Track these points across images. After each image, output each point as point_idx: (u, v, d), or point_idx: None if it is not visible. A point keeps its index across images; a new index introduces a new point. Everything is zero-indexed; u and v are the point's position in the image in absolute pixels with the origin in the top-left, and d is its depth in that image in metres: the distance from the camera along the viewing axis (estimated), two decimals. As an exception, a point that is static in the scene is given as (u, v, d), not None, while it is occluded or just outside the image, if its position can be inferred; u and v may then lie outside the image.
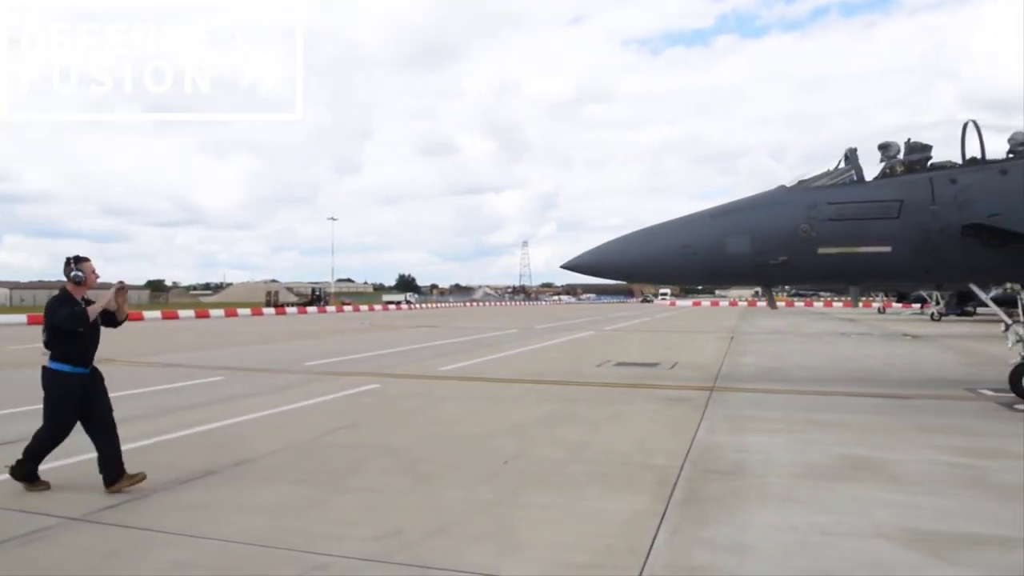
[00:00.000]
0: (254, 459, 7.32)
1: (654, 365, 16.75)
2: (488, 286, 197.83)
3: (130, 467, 6.19)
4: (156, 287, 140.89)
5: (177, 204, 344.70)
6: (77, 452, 6.61)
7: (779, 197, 11.69)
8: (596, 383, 13.50)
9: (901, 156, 11.46)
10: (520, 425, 9.24)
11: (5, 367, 16.82)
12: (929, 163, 11.48)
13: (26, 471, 6.08)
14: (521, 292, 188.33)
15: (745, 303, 79.71)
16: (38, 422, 6.18)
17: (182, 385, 13.18)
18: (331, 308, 71.09)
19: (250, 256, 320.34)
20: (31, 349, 21.91)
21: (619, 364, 17.02)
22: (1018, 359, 11.11)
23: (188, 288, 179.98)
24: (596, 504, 5.70)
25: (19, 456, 6.13)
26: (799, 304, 71.88)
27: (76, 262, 6.17)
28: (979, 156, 11.16)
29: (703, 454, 7.48)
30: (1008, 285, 12.18)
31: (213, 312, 53.00)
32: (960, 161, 11.26)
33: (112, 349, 16.68)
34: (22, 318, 42.94)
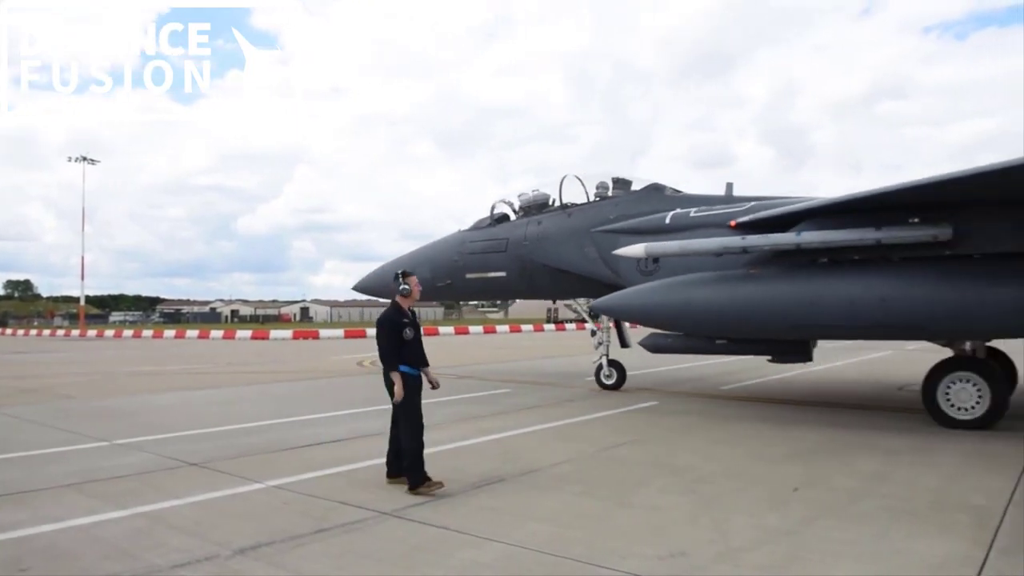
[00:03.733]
0: (539, 469, 7.69)
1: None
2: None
3: (432, 468, 6.83)
4: (448, 304, 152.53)
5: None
6: (367, 456, 7.38)
7: (451, 237, 16.64)
8: (898, 409, 12.33)
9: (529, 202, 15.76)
10: (806, 451, 8.73)
11: (329, 375, 19.26)
12: (544, 208, 15.46)
13: (419, 476, 6.78)
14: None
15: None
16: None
17: (475, 395, 14.17)
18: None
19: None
20: (348, 360, 24.99)
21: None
22: (600, 359, 15.32)
23: (477, 305, 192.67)
24: (901, 544, 5.21)
25: (394, 470, 7.08)
26: None
27: (403, 276, 7.07)
28: (569, 202, 15.22)
29: (1033, 496, 6.54)
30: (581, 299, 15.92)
31: (499, 328, 56.39)
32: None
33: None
34: (340, 332, 49.09)
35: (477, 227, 16.23)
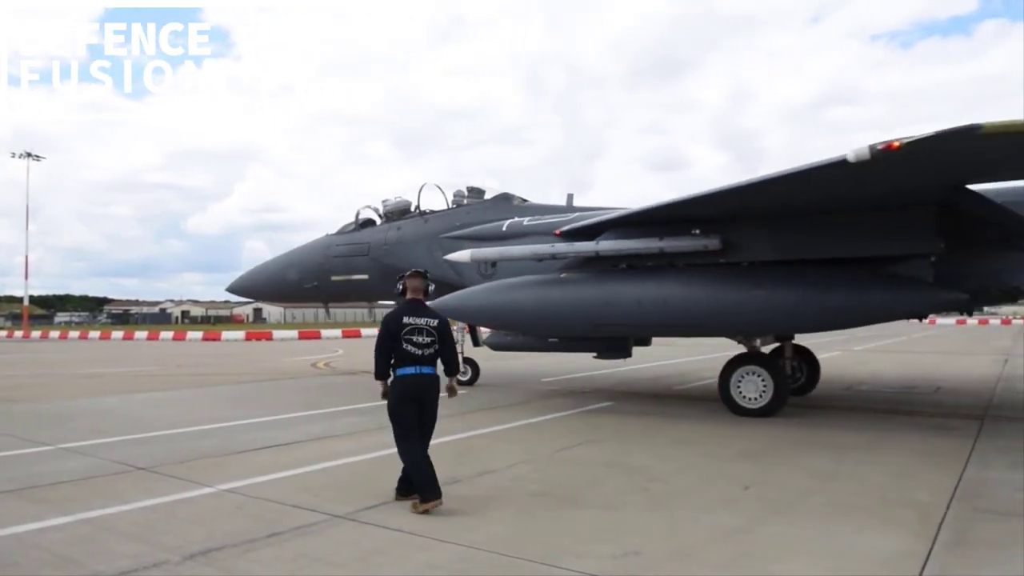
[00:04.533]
0: (495, 470, 7.69)
1: (912, 389, 15.32)
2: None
3: (387, 472, 6.77)
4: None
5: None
6: (321, 459, 7.33)
7: (319, 241, 17.12)
8: (845, 407, 12.60)
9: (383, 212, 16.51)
10: (758, 450, 8.87)
11: (282, 377, 19.00)
12: (405, 214, 16.22)
13: (413, 490, 6.36)
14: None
15: (1021, 321, 70.41)
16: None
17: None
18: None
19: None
20: (301, 361, 24.70)
21: (871, 388, 15.76)
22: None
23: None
24: (848, 540, 5.33)
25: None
26: None
27: (399, 279, 6.88)
28: (430, 209, 15.96)
29: (974, 491, 6.74)
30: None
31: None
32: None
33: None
34: (294, 333, 48.50)
35: (343, 231, 16.88)
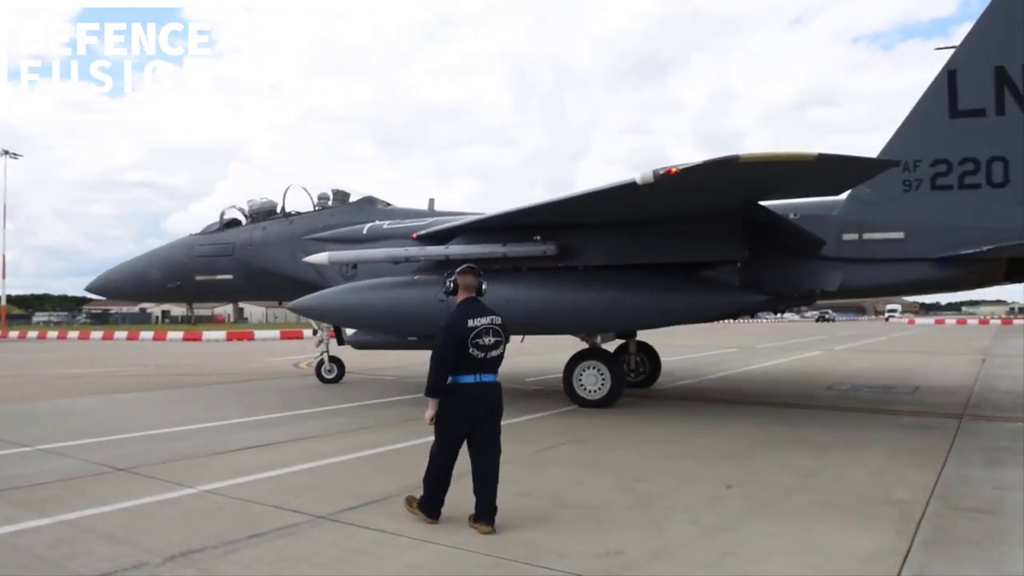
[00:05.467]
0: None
1: (892, 389, 15.46)
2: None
3: (372, 471, 6.73)
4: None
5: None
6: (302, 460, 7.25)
7: (182, 240, 17.01)
8: (827, 407, 12.70)
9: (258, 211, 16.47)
10: (740, 449, 8.92)
11: (263, 377, 18.87)
12: (271, 215, 16.32)
13: (427, 505, 5.85)
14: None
15: (999, 320, 71.23)
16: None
17: (414, 397, 14.06)
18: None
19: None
20: (283, 361, 24.56)
21: (852, 387, 15.90)
22: (321, 356, 17.08)
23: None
24: (829, 538, 5.37)
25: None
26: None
27: (447, 276, 6.21)
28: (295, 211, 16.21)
29: (953, 489, 6.82)
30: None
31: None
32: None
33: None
34: (276, 333, 48.26)
35: (207, 231, 16.87)
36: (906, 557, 4.90)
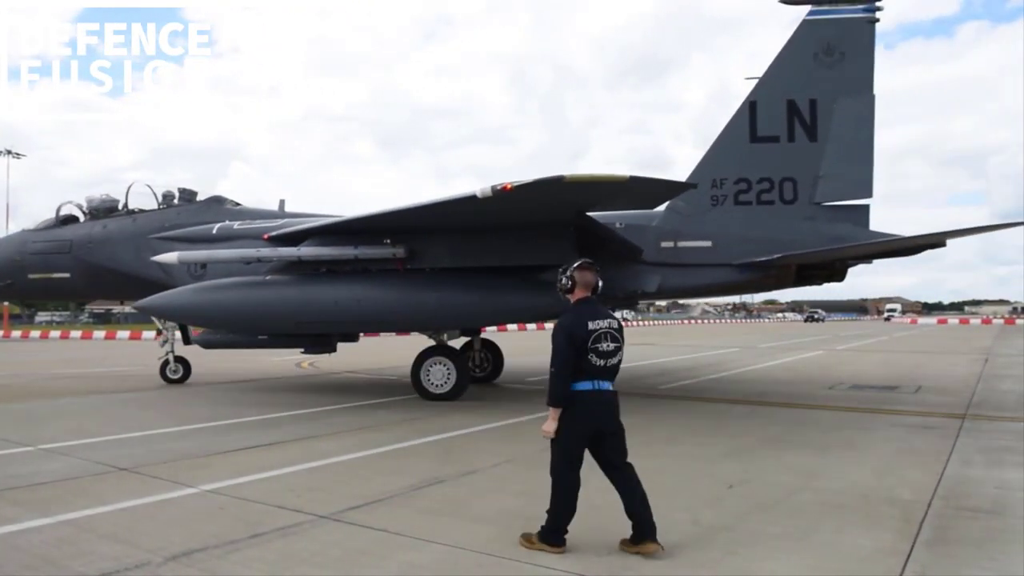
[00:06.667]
0: (479, 470, 7.68)
1: (894, 389, 15.45)
2: (707, 303, 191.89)
3: (370, 472, 6.72)
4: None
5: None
6: (303, 460, 7.21)
7: (14, 236, 16.93)
8: (828, 406, 12.69)
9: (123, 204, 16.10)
10: (741, 448, 8.91)
11: (265, 378, 18.83)
12: (113, 212, 16.00)
13: (549, 535, 5.16)
14: (742, 309, 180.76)
15: (1002, 320, 71.11)
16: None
17: (416, 397, 14.07)
18: (549, 324, 72.87)
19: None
20: (286, 362, 24.56)
21: (854, 387, 15.88)
22: (166, 356, 16.79)
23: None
24: (831, 538, 5.36)
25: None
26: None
27: (563, 271, 5.43)
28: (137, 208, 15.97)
29: (955, 489, 6.80)
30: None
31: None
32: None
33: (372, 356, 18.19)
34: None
35: (41, 227, 16.44)
36: (908, 557, 4.90)
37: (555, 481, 5.17)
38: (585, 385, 5.07)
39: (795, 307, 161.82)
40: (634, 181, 9.46)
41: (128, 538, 5.39)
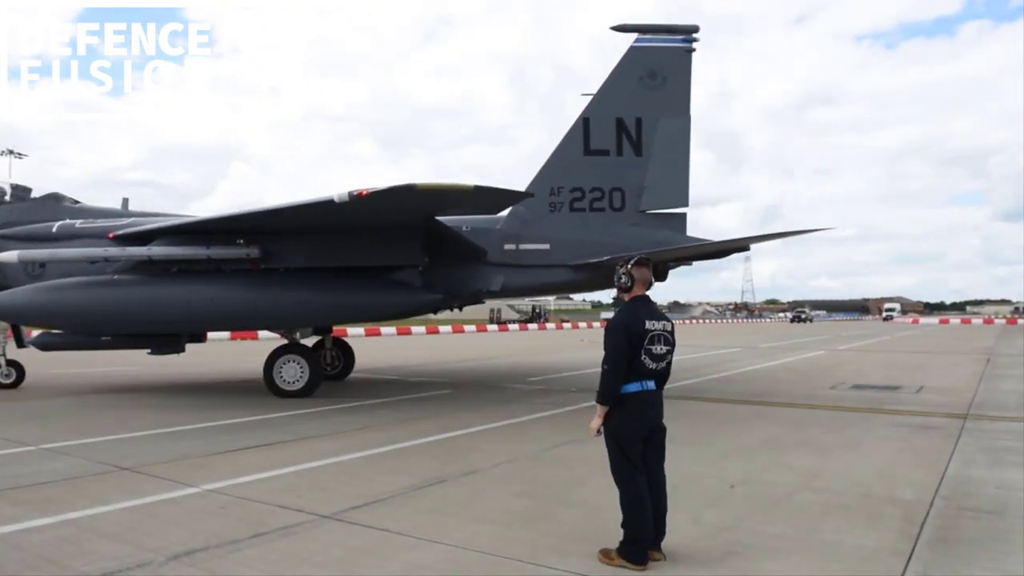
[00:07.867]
0: (481, 469, 7.68)
1: (896, 388, 15.44)
2: (708, 303, 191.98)
3: (371, 472, 6.72)
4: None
5: None
6: (305, 460, 7.23)
7: None
8: (830, 406, 12.68)
9: None
10: (743, 448, 8.91)
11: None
12: None
13: (630, 551, 4.82)
14: (743, 309, 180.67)
15: (1003, 320, 71.07)
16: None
17: (416, 396, 14.08)
18: (551, 325, 72.73)
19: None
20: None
21: (855, 387, 15.88)
22: None
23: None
24: (832, 538, 5.36)
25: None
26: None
27: (620, 266, 5.15)
28: None
29: (957, 489, 6.80)
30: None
31: (442, 328, 56.20)
32: None
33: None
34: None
35: None
36: (910, 557, 4.89)
37: (621, 488, 4.94)
38: (634, 387, 4.88)
39: (797, 306, 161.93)
40: (479, 190, 10.35)
41: (130, 537, 5.39)
